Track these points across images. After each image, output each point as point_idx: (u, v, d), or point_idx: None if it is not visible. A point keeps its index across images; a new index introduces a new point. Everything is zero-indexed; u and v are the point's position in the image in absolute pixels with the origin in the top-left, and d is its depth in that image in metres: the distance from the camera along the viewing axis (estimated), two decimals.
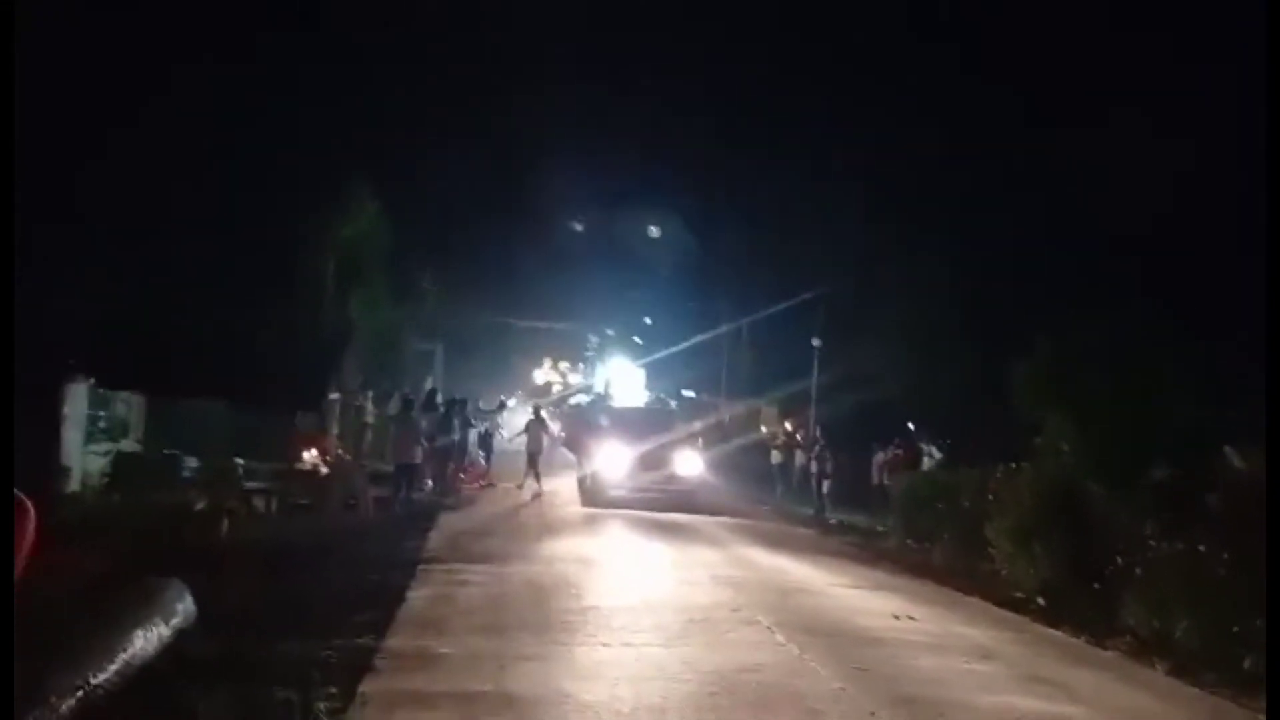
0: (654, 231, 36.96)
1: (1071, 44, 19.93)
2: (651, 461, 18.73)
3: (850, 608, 9.23)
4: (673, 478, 18.79)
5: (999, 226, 19.43)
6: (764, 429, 29.96)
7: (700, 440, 21.38)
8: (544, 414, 20.98)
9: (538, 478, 18.78)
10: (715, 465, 22.24)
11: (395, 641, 6.69)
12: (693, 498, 18.31)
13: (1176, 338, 11.58)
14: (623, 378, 33.40)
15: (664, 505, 17.32)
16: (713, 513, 17.28)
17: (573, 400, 28.78)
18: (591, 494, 18.41)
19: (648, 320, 38.31)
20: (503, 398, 27.58)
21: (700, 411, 29.58)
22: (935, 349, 20.09)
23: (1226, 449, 8.51)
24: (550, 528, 14.45)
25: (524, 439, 19.37)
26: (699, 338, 32.34)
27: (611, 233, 39.78)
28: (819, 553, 13.89)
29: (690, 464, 19.28)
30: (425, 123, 23.07)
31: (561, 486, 19.78)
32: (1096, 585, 9.32)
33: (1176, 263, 16.23)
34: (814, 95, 28.39)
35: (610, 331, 42.24)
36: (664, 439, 19.26)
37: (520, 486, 18.87)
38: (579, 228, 36.96)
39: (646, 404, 26.69)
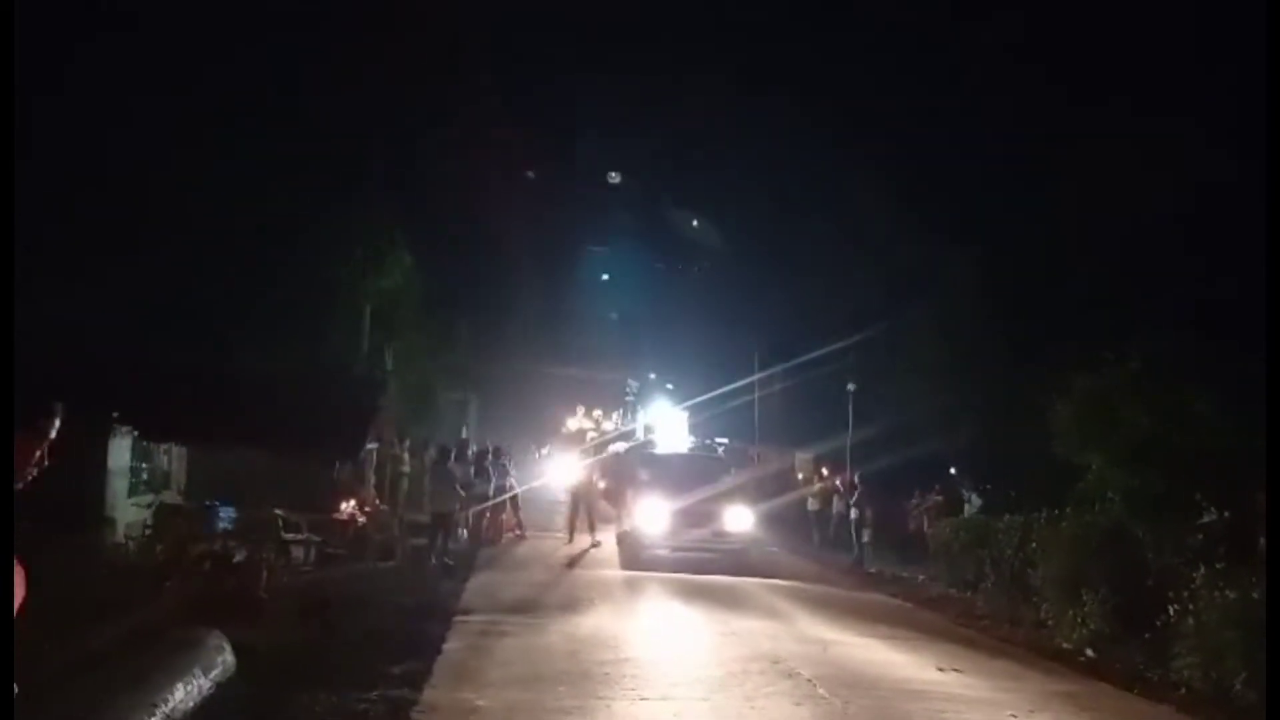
0: (690, 273, 37.16)
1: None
2: (697, 517, 16.97)
3: (893, 660, 9.05)
4: (721, 534, 17.07)
5: (1034, 247, 18.88)
6: (799, 476, 29.60)
7: (748, 492, 19.59)
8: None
9: (592, 527, 18.36)
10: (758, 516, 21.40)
11: (433, 694, 6.65)
12: (743, 557, 16.72)
13: (1216, 361, 11.26)
14: (665, 422, 32.49)
15: (712, 567, 15.72)
16: (759, 574, 15.78)
17: (611, 448, 27.91)
18: (630, 553, 17.04)
19: (669, 385, 38.42)
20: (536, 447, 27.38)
21: (741, 459, 28.74)
22: (972, 386, 19.72)
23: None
24: (588, 579, 14.33)
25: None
26: (737, 384, 31.99)
27: (647, 276, 40.30)
28: (859, 603, 13.65)
29: (741, 520, 17.49)
30: (459, 170, 23.41)
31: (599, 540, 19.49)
32: (1147, 635, 9.05)
33: (1210, 278, 15.26)
34: (844, 131, 28.64)
35: (653, 375, 42.01)
36: (710, 490, 17.58)
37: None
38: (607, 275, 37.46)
39: (690, 451, 24.14)
